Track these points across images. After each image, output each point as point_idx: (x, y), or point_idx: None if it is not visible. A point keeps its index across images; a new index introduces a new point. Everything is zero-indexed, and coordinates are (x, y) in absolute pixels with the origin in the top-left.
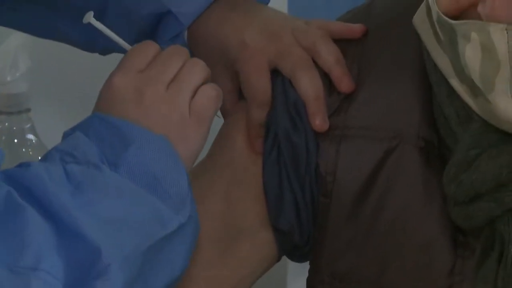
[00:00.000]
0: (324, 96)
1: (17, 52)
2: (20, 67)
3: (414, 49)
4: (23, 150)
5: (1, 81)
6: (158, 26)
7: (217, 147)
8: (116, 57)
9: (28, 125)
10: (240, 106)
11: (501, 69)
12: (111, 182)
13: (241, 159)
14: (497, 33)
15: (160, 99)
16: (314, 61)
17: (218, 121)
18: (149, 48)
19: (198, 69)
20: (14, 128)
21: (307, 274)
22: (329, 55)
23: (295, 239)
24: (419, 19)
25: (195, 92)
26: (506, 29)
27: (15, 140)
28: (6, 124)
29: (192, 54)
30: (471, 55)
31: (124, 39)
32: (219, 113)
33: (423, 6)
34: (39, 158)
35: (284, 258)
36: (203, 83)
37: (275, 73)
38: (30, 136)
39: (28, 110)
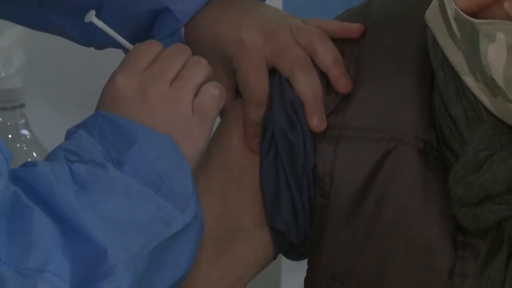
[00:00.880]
0: (322, 96)
1: (11, 47)
2: (15, 63)
3: (413, 49)
4: (17, 145)
5: None
6: (154, 22)
7: (213, 145)
8: (112, 52)
9: (22, 121)
10: (236, 104)
11: None
12: (116, 181)
13: (237, 158)
14: None
15: (163, 98)
16: (312, 60)
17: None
18: (152, 47)
19: (200, 67)
20: (8, 123)
21: (301, 269)
22: (327, 55)
23: (291, 239)
24: (431, 14)
25: (198, 90)
26: None
27: (9, 136)
28: (0, 119)
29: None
30: (494, 55)
31: (121, 36)
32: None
33: (435, 0)
34: (34, 154)
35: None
36: (205, 81)
37: (273, 72)
38: (24, 132)
39: (23, 105)
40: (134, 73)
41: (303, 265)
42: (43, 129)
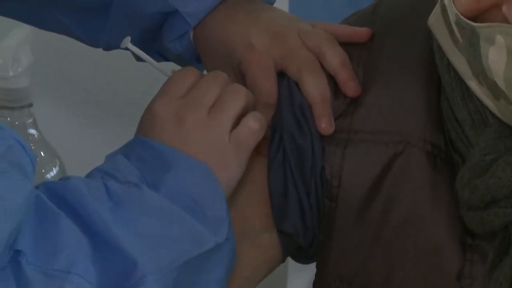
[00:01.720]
0: (331, 99)
1: (19, 47)
2: (22, 62)
3: (421, 52)
4: None
5: (3, 76)
6: (163, 25)
7: None
8: (119, 53)
9: (30, 120)
10: None
11: None
12: (150, 201)
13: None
14: None
15: (201, 125)
16: (320, 64)
17: None
18: (190, 73)
19: (240, 96)
20: (16, 123)
21: (307, 270)
22: (335, 58)
23: (299, 242)
24: (434, 19)
25: (237, 119)
26: None
27: None
28: (8, 119)
29: (198, 55)
30: (495, 58)
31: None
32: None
33: (438, 6)
34: (41, 153)
35: None
36: (245, 109)
37: (281, 75)
38: (32, 131)
39: (30, 105)
40: (171, 100)
41: (309, 266)
42: (51, 128)
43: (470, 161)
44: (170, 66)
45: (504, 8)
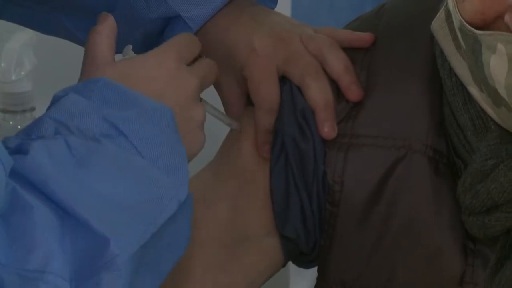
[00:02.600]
0: (333, 104)
1: (22, 51)
2: (25, 66)
3: (423, 56)
4: None
5: (6, 80)
6: (165, 29)
7: (224, 152)
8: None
9: None
10: (247, 112)
11: None
12: (113, 157)
13: (248, 165)
14: None
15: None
16: (322, 68)
17: (224, 127)
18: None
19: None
20: (19, 127)
21: (309, 273)
22: (338, 63)
23: (301, 246)
24: (437, 24)
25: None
26: None
27: None
28: (11, 122)
29: None
30: (496, 66)
31: (129, 42)
32: (230, 122)
33: (442, 11)
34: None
35: None
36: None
37: (284, 79)
38: None
39: (33, 109)
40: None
41: (311, 269)
42: None
43: (472, 166)
44: None
45: (506, 17)
